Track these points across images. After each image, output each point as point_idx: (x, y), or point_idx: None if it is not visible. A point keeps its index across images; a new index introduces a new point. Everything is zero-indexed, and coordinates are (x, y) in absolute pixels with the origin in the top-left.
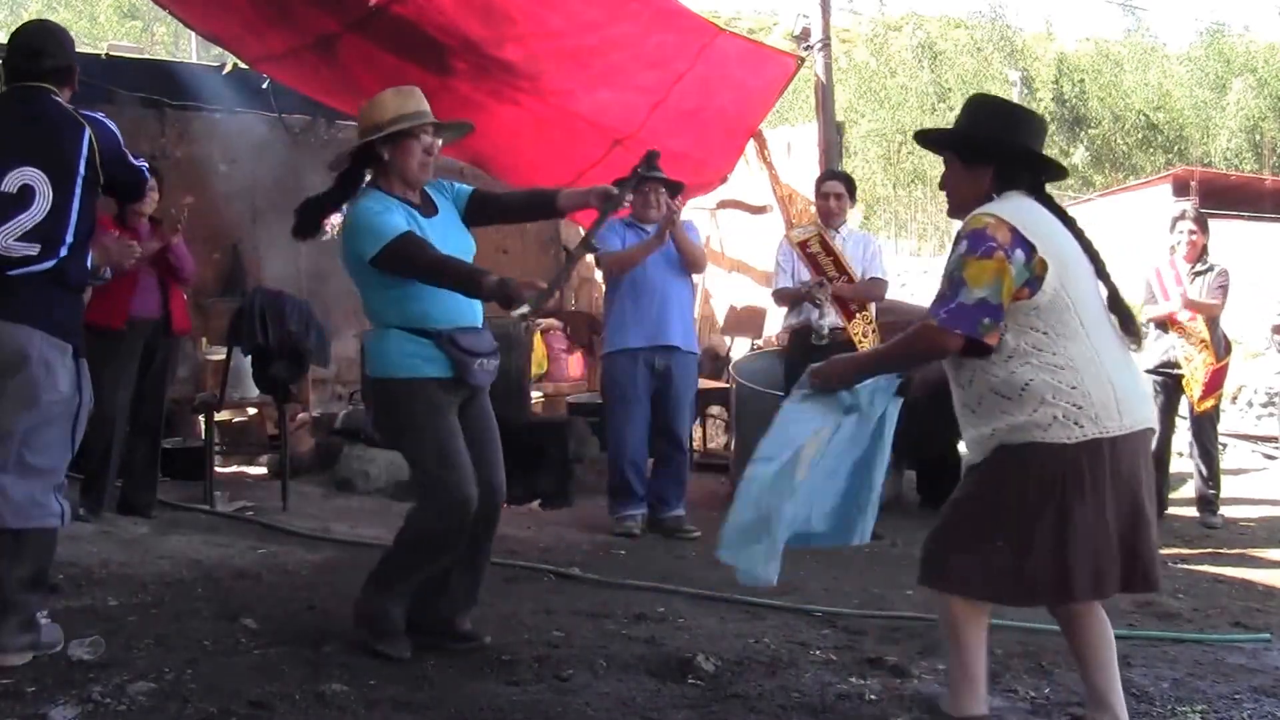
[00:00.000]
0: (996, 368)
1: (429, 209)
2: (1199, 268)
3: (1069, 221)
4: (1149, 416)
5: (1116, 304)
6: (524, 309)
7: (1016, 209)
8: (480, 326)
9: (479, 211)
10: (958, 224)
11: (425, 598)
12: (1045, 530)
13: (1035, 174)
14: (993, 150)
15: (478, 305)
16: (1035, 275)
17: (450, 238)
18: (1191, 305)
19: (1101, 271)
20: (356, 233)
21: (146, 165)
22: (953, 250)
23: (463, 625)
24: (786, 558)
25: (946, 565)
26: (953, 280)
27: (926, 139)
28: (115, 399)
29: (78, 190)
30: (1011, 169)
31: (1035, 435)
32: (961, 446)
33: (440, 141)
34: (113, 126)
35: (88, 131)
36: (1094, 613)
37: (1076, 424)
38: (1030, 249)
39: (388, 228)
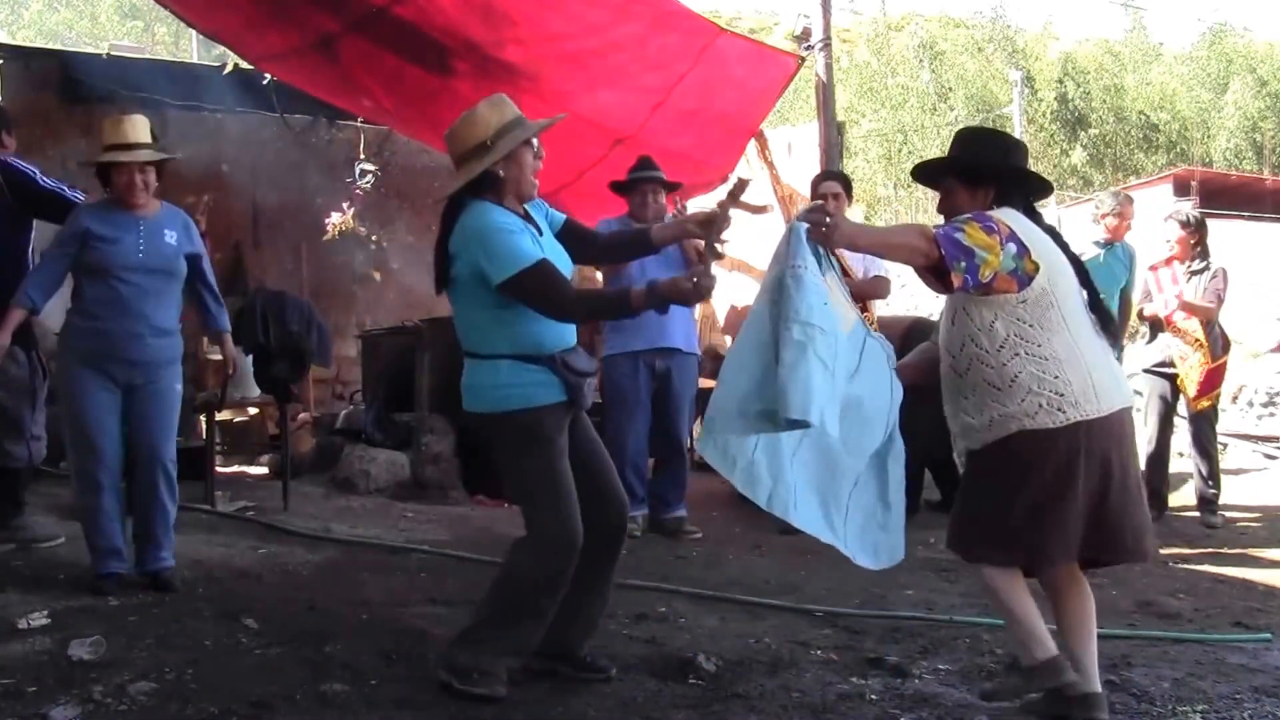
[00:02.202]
0: (990, 357)
1: (534, 225)
2: (1195, 266)
3: (1056, 235)
4: (1125, 396)
5: (1096, 307)
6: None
7: (1015, 219)
8: (577, 345)
9: (569, 243)
10: None
11: (552, 624)
12: (1027, 503)
13: (1026, 193)
14: (994, 173)
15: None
16: (1026, 273)
17: (559, 259)
18: (1186, 307)
19: (1084, 279)
20: (486, 252)
21: (66, 186)
22: (952, 221)
23: (586, 654)
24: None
25: (969, 542)
26: (954, 225)
27: (927, 171)
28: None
29: None
30: (1009, 189)
31: (1025, 423)
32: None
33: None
34: (21, 165)
35: None
36: (1079, 587)
37: (1060, 410)
38: (1024, 249)
39: (522, 253)
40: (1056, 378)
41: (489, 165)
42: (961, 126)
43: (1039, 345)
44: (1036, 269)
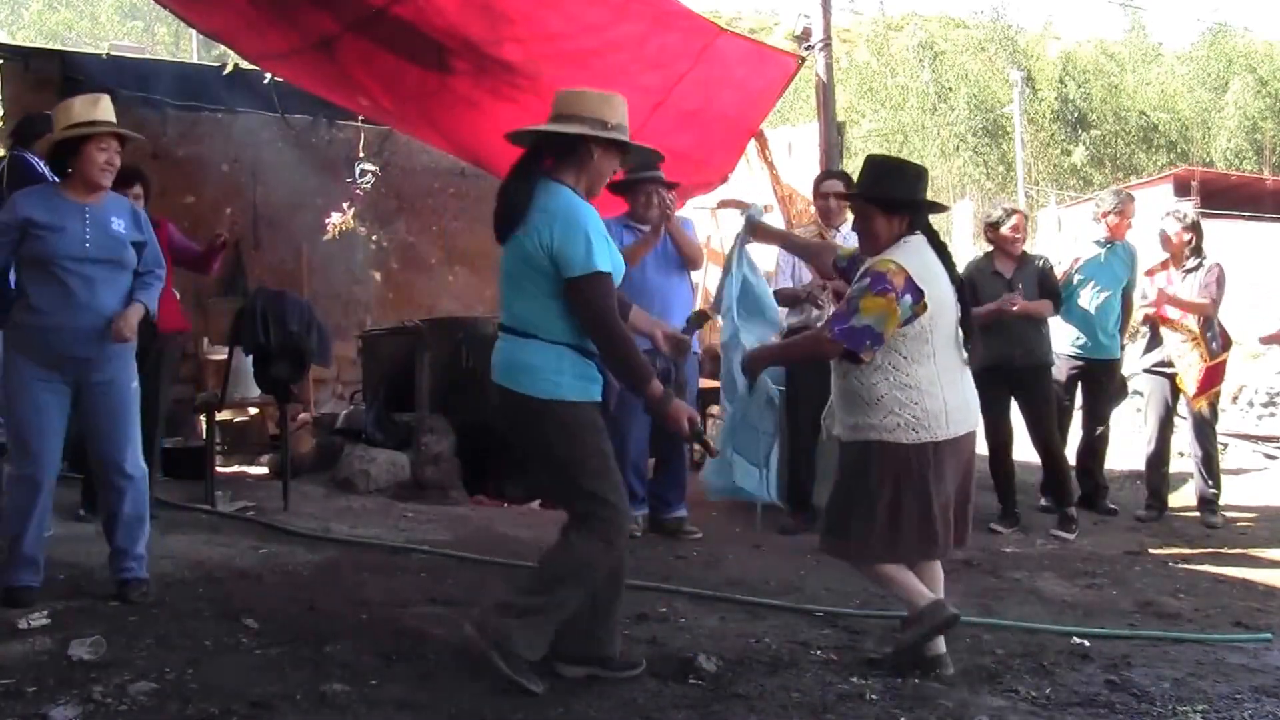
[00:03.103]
0: (863, 376)
1: None
2: (1190, 264)
3: (945, 254)
4: (972, 422)
5: (965, 322)
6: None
7: (916, 257)
8: None
9: None
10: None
11: (580, 626)
12: (884, 506)
13: (927, 214)
14: (910, 203)
15: None
16: (915, 315)
17: (616, 263)
18: (1173, 301)
19: (961, 296)
20: (570, 242)
21: None
22: (858, 281)
23: (616, 653)
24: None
25: (839, 538)
26: (850, 305)
27: (853, 195)
28: None
29: None
30: (919, 215)
31: (884, 435)
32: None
33: None
34: (35, 163)
35: None
36: (933, 567)
37: (914, 430)
38: (919, 294)
39: (602, 256)
40: (916, 404)
41: (594, 141)
42: (870, 154)
43: (906, 375)
44: (925, 309)
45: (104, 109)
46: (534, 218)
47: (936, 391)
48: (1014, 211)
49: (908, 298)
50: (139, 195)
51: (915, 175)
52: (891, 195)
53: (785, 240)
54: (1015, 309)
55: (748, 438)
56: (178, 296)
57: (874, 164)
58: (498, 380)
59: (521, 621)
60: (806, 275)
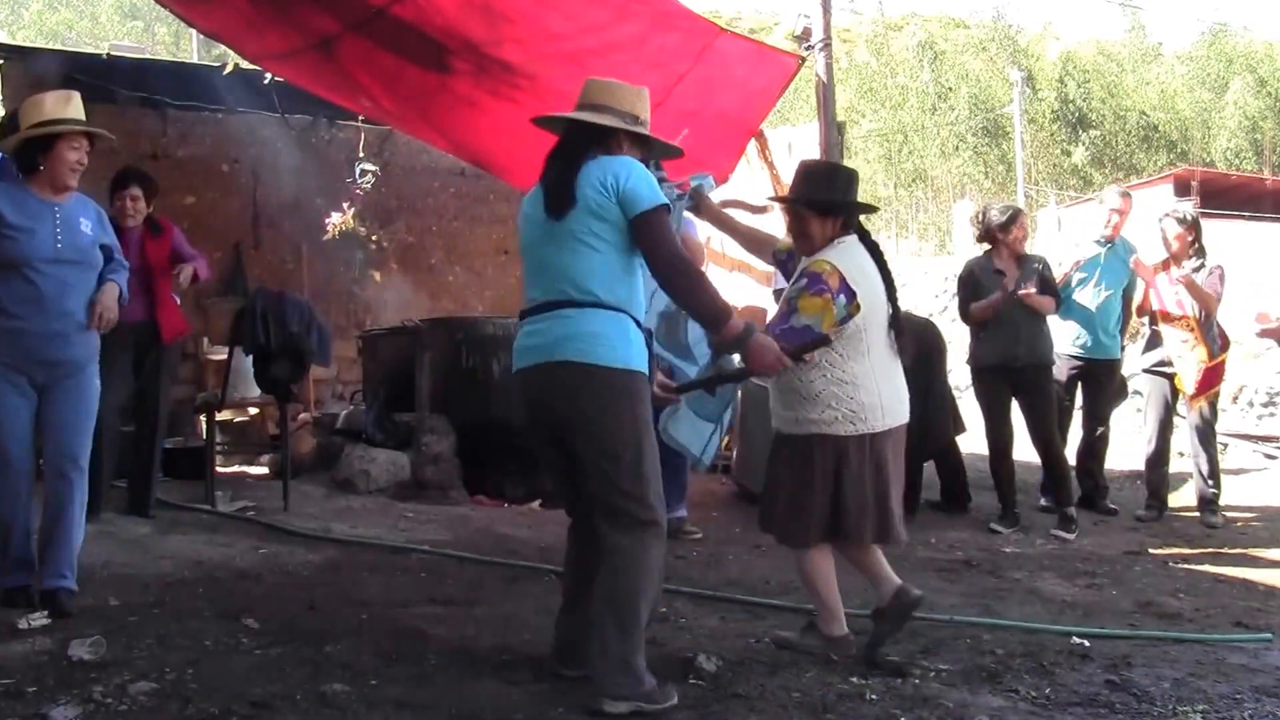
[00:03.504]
0: (801, 373)
1: None
2: (1192, 264)
3: (877, 253)
4: (904, 415)
5: (895, 320)
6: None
7: (849, 258)
8: None
9: None
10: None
11: (574, 625)
12: (822, 494)
13: (858, 216)
14: (844, 206)
15: None
16: (849, 315)
17: None
18: (1187, 283)
19: (891, 294)
20: (633, 182)
21: None
22: (795, 282)
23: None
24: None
25: (777, 524)
26: (790, 305)
27: (788, 200)
28: (105, 402)
29: None
30: (852, 216)
31: (822, 429)
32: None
33: None
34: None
35: None
36: (871, 554)
37: (851, 423)
38: (852, 294)
39: (660, 194)
40: (852, 398)
41: (625, 134)
42: (804, 160)
43: (842, 371)
44: (859, 309)
45: (75, 107)
46: (590, 174)
47: (872, 386)
48: (1019, 211)
49: (842, 298)
50: (136, 198)
51: (847, 179)
52: (825, 198)
53: (726, 224)
54: (1024, 294)
55: (702, 397)
56: (178, 301)
57: (808, 169)
58: (554, 356)
59: (616, 658)
60: None
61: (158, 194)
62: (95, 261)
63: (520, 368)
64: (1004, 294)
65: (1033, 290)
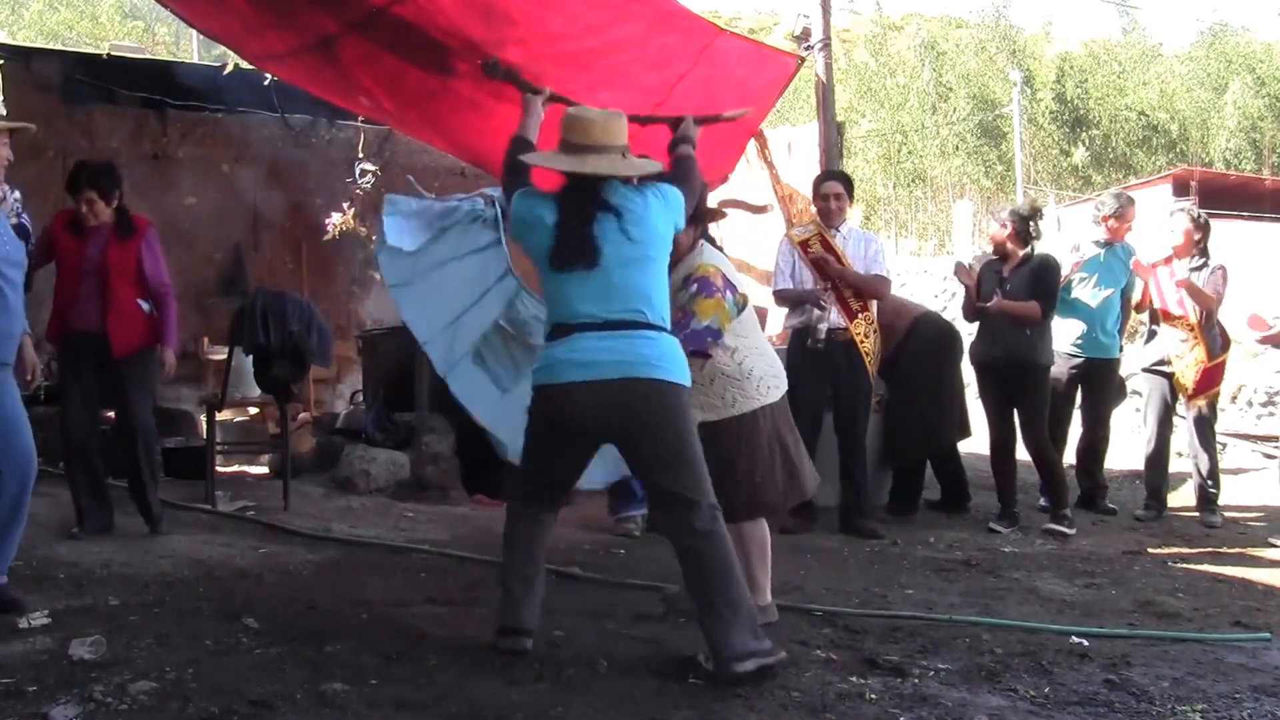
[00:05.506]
0: (728, 358)
1: None
2: (1194, 264)
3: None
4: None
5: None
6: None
7: (719, 260)
8: None
9: None
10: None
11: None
12: (765, 466)
13: (709, 223)
14: (704, 214)
15: None
16: (742, 305)
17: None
18: (1187, 285)
19: None
20: (674, 205)
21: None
22: (683, 290)
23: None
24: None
25: (767, 507)
26: (685, 312)
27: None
28: (69, 412)
29: None
30: (706, 224)
31: (758, 402)
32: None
33: None
34: None
35: None
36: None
37: (774, 389)
38: (733, 287)
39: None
40: (771, 363)
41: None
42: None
43: (754, 344)
44: (746, 300)
45: None
46: (633, 199)
47: (770, 352)
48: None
49: (729, 294)
50: (93, 201)
51: (703, 189)
52: (695, 209)
53: None
54: (991, 306)
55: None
56: (145, 309)
57: None
58: (643, 373)
59: (734, 635)
60: (806, 276)
61: (120, 185)
62: (22, 261)
63: (588, 380)
64: (970, 300)
65: (992, 304)
